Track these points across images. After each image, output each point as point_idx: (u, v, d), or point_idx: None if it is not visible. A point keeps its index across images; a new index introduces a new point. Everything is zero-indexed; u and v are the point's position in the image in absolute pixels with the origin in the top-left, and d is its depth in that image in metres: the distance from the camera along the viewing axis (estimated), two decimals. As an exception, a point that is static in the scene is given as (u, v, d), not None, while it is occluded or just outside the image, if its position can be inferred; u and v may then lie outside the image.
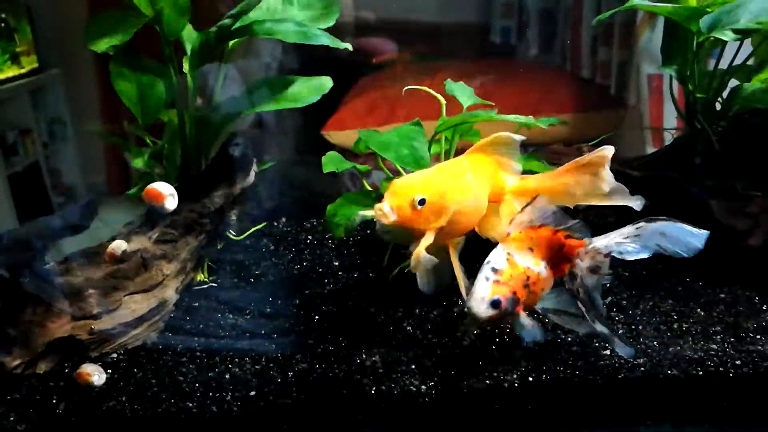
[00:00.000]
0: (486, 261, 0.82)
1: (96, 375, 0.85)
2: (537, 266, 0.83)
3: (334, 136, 2.28)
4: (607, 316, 0.99)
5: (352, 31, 2.45)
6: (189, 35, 1.12)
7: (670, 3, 1.05)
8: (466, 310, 0.80)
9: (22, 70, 2.82)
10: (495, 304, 0.79)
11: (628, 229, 0.83)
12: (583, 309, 0.82)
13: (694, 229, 0.83)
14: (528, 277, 0.82)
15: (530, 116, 1.01)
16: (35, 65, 2.89)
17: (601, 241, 0.83)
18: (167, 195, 0.93)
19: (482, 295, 0.79)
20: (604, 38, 2.30)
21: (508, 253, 0.82)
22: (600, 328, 0.82)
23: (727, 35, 0.95)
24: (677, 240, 0.82)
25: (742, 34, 0.96)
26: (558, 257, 0.85)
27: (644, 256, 0.82)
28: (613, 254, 0.83)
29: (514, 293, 0.80)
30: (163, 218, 1.08)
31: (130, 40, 1.07)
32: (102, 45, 0.91)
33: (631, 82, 2.37)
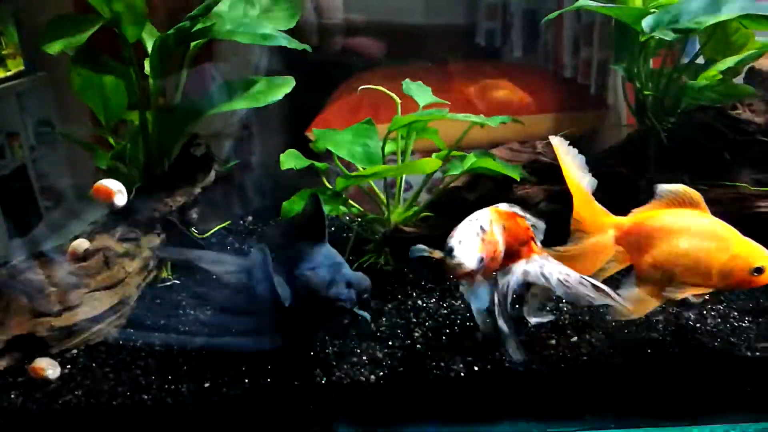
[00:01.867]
0: (472, 217, 0.84)
1: (50, 369, 0.87)
2: (500, 246, 0.85)
3: (318, 136, 2.29)
4: (556, 308, 1.02)
5: (342, 32, 2.48)
6: (150, 37, 1.14)
7: (617, 4, 1.09)
8: (448, 258, 0.80)
9: (8, 73, 2.82)
10: (480, 260, 0.80)
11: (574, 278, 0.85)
12: (497, 304, 0.85)
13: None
14: (495, 251, 0.84)
15: (481, 115, 1.04)
16: (21, 68, 2.88)
17: (555, 267, 0.86)
18: (115, 191, 0.94)
19: (474, 248, 0.80)
20: (585, 38, 2.33)
21: (491, 221, 0.84)
22: (503, 326, 0.85)
23: (668, 35, 0.98)
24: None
25: (683, 33, 0.99)
26: (512, 251, 0.87)
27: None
28: (535, 280, 0.85)
29: (483, 258, 0.81)
30: (125, 217, 1.10)
31: (91, 42, 1.09)
32: (57, 47, 0.93)
33: (610, 81, 2.40)
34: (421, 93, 1.15)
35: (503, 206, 0.88)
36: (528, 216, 0.90)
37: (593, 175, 1.19)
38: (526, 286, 0.89)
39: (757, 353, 0.90)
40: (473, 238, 0.81)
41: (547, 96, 2.50)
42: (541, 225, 0.90)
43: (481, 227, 0.82)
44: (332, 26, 2.45)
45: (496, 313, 0.84)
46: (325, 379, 0.88)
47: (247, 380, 0.88)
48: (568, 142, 0.99)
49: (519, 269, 0.86)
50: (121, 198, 0.95)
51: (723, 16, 0.97)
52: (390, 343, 0.95)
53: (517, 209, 0.89)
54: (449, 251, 0.80)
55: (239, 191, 2.40)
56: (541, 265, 0.86)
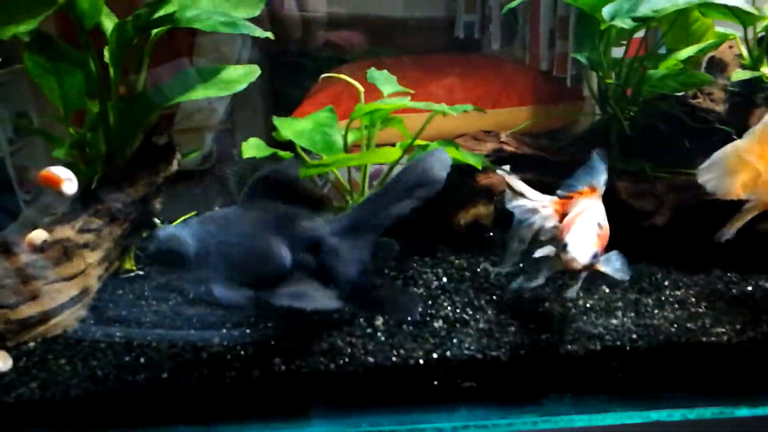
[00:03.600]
0: (586, 211, 0.85)
1: (0, 362, 0.85)
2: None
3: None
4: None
5: (324, 25, 2.46)
6: (110, 24, 1.12)
7: (578, -8, 1.09)
8: (563, 253, 0.81)
9: (-15, 66, 2.76)
10: (595, 256, 0.81)
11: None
12: (509, 244, 0.89)
13: None
14: (604, 243, 0.85)
15: (443, 104, 1.04)
16: (-1, 60, 2.82)
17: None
18: (64, 179, 0.92)
19: (589, 245, 0.81)
20: (561, 31, 2.34)
21: (604, 214, 0.87)
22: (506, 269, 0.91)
23: (627, 23, 0.99)
24: None
25: (641, 22, 1.00)
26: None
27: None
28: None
29: (597, 254, 0.83)
30: (86, 208, 1.08)
31: (59, 30, 1.06)
32: (7, 31, 0.90)
33: (585, 73, 2.42)
34: (386, 82, 1.15)
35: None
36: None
37: (558, 163, 1.20)
38: None
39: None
40: (589, 235, 0.82)
41: (523, 88, 2.52)
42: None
43: (599, 224, 0.84)
44: (314, 19, 2.44)
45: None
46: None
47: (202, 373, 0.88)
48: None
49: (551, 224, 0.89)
50: (70, 186, 0.92)
51: (681, 4, 0.98)
52: (351, 330, 0.95)
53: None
54: (563, 246, 0.81)
55: (220, 183, 2.38)
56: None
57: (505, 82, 2.54)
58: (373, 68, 1.17)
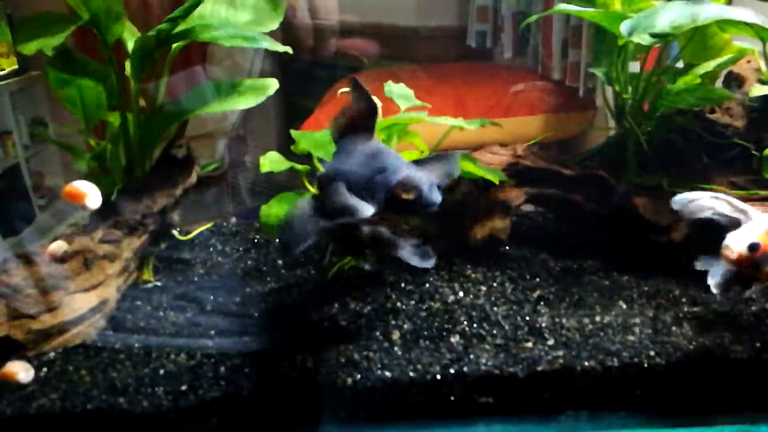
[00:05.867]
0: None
1: (22, 372, 0.86)
2: None
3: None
4: (534, 310, 1.02)
5: (336, 33, 2.48)
6: (131, 38, 1.13)
7: (596, 8, 1.09)
8: (723, 245, 0.82)
9: (2, 72, 2.80)
10: (753, 247, 0.80)
11: None
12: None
13: None
14: None
15: (461, 118, 1.04)
16: (15, 67, 2.86)
17: None
18: (88, 194, 0.93)
19: (746, 234, 0.81)
20: (574, 41, 2.35)
21: None
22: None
23: (645, 39, 0.99)
24: None
25: (659, 37, 1.00)
26: None
27: None
28: None
29: (757, 246, 0.80)
30: (106, 219, 1.10)
31: (77, 42, 1.08)
32: (32, 47, 0.92)
33: (598, 83, 2.42)
34: (403, 96, 1.15)
35: None
36: None
37: (574, 177, 1.20)
38: None
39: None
40: (751, 228, 0.82)
41: (535, 98, 2.52)
42: None
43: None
44: (326, 27, 2.46)
45: None
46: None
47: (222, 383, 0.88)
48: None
49: None
50: (93, 200, 0.94)
51: (700, 21, 0.97)
52: (368, 344, 0.95)
53: None
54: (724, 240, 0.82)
55: (231, 191, 2.40)
56: None
57: (517, 92, 2.55)
58: (390, 82, 1.17)
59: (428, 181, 0.81)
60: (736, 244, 0.82)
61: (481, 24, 2.88)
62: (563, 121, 2.54)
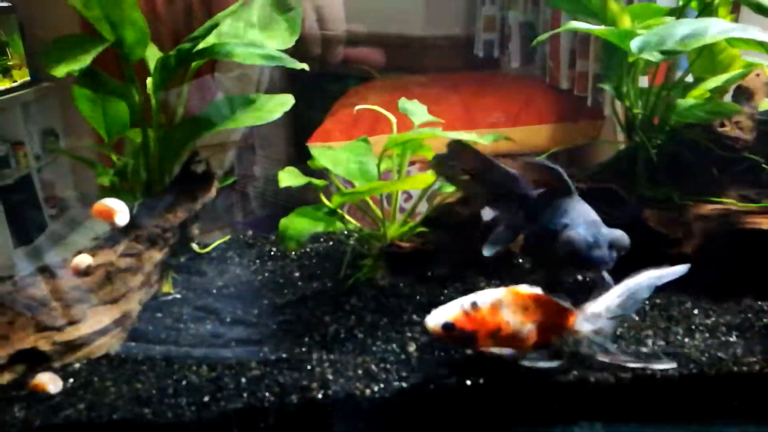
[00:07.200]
0: (479, 293, 0.88)
1: (51, 384, 0.89)
2: (520, 325, 0.87)
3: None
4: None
5: (343, 43, 2.51)
6: (153, 56, 1.17)
7: (606, 25, 1.12)
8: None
9: (14, 84, 2.85)
10: (447, 326, 0.85)
11: (621, 289, 0.91)
12: (609, 361, 0.91)
13: (671, 270, 0.92)
14: (500, 329, 0.87)
15: (473, 132, 1.07)
16: (27, 78, 2.91)
17: (599, 306, 0.90)
18: (117, 211, 0.97)
19: (445, 313, 0.86)
20: (581, 50, 2.37)
21: (500, 301, 0.87)
22: (633, 364, 0.91)
23: (655, 56, 1.01)
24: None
25: (669, 54, 1.02)
26: (551, 324, 0.89)
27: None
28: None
29: (475, 333, 0.86)
30: (127, 233, 1.13)
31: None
32: (62, 69, 0.96)
33: (606, 93, 2.44)
34: (417, 111, 1.18)
35: (523, 287, 0.90)
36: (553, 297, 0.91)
37: (584, 192, 1.22)
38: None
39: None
40: (453, 306, 0.86)
41: (543, 107, 2.54)
42: (566, 303, 0.91)
43: (473, 303, 0.86)
44: (334, 37, 2.49)
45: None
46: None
47: (245, 394, 0.90)
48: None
49: (587, 333, 0.90)
50: (122, 217, 0.97)
51: (708, 38, 0.99)
52: (385, 357, 0.97)
53: (537, 290, 0.90)
54: None
55: (241, 200, 2.42)
56: (591, 322, 0.90)
57: (525, 101, 2.56)
58: (404, 98, 1.20)
59: (592, 240, 0.90)
60: (432, 321, 0.86)
61: (489, 33, 2.90)
62: (571, 131, 2.55)
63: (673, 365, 0.91)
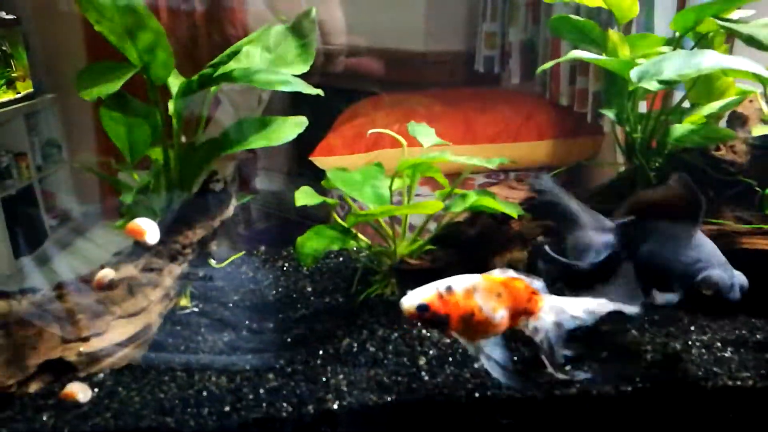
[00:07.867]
0: (455, 277, 0.88)
1: (81, 393, 0.93)
2: (493, 312, 0.88)
3: (323, 161, 2.38)
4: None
5: (345, 56, 2.57)
6: (175, 81, 1.23)
7: (607, 55, 1.18)
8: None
9: (18, 95, 2.90)
10: (422, 308, 0.85)
11: (592, 305, 0.92)
12: (546, 360, 0.92)
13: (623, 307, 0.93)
14: (473, 315, 0.87)
15: (481, 157, 1.12)
16: (30, 90, 2.97)
17: (568, 302, 0.92)
18: (147, 231, 1.02)
19: (421, 295, 0.86)
20: (582, 68, 2.43)
21: (474, 287, 0.88)
22: (561, 376, 0.93)
23: (653, 85, 1.07)
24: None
25: (667, 84, 1.08)
26: (520, 310, 0.91)
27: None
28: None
29: (448, 317, 0.86)
30: (148, 249, 1.18)
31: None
32: (93, 94, 1.01)
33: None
34: (425, 134, 1.23)
35: (496, 272, 0.92)
36: (524, 277, 0.93)
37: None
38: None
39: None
40: (429, 289, 0.86)
41: (543, 123, 2.59)
42: (539, 283, 0.93)
43: (448, 287, 0.87)
44: (335, 51, 2.54)
45: (550, 370, 0.93)
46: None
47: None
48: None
49: (548, 323, 0.91)
50: (152, 236, 1.02)
51: (704, 69, 1.05)
52: (396, 369, 1.01)
53: (510, 272, 0.92)
54: None
55: (242, 212, 2.47)
56: (555, 313, 0.92)
57: (525, 117, 2.62)
58: (413, 122, 1.26)
59: (730, 282, 0.90)
60: (407, 302, 0.86)
61: (489, 49, 2.96)
62: (571, 147, 2.60)
63: (588, 375, 0.94)
